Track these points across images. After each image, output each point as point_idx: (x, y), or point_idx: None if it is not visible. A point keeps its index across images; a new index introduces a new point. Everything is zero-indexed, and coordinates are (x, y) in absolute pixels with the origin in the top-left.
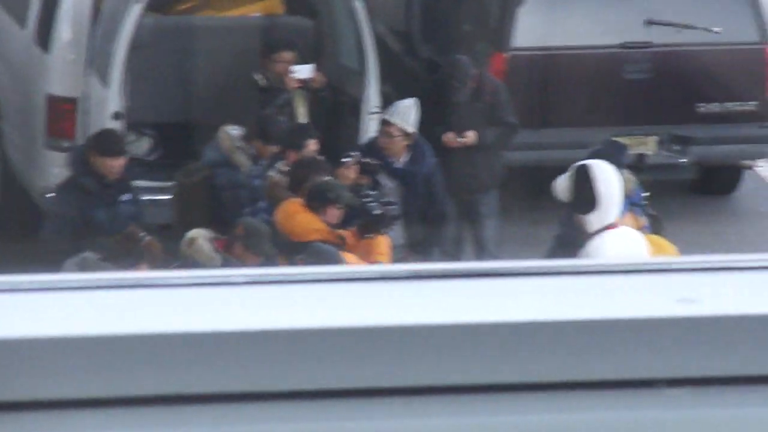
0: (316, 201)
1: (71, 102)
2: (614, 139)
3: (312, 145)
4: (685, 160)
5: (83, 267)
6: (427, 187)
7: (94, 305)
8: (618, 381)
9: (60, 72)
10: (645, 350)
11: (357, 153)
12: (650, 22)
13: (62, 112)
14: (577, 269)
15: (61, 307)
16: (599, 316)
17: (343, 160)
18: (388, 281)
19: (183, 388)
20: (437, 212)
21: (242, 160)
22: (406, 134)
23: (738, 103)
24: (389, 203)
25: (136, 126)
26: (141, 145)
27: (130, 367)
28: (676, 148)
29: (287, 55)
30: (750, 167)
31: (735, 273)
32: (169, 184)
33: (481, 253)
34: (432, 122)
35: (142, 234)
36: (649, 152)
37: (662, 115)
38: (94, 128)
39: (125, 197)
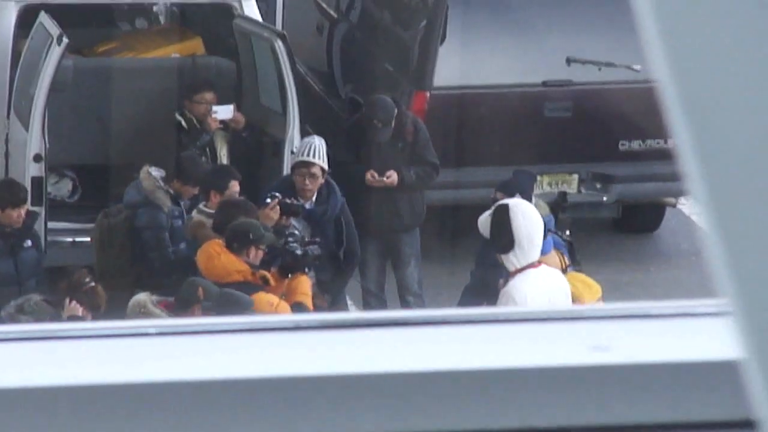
0: (238, 242)
1: None
2: (521, 169)
3: (234, 186)
4: (606, 198)
5: (25, 309)
6: (336, 226)
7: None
8: (533, 429)
9: None
10: (560, 398)
11: (278, 195)
12: (571, 60)
13: None
14: (493, 317)
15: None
16: (515, 365)
17: (267, 200)
18: (299, 331)
19: None
20: (349, 251)
21: (164, 199)
22: (323, 172)
23: (660, 140)
24: (311, 242)
25: (57, 168)
26: (62, 187)
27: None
28: (598, 186)
29: (208, 95)
30: (674, 205)
31: (650, 320)
32: (90, 225)
33: (405, 294)
34: (352, 162)
35: (87, 279)
36: (571, 190)
37: (584, 153)
38: (15, 171)
39: (27, 243)
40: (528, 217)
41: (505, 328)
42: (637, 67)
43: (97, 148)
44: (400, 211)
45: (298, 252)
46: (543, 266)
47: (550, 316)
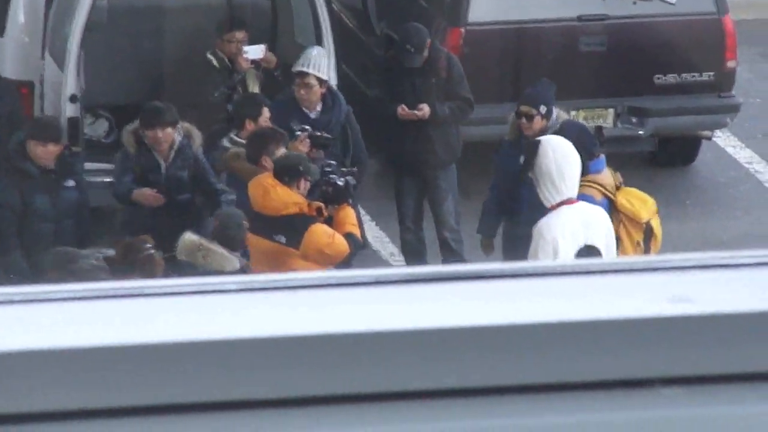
0: (289, 174)
1: (27, 85)
2: (542, 79)
3: (266, 113)
4: (642, 132)
5: (77, 269)
6: (342, 134)
7: (87, 316)
8: (613, 381)
9: (15, 56)
10: (639, 350)
11: (308, 128)
12: None
13: (18, 96)
14: (569, 270)
15: (54, 318)
16: (592, 317)
17: (296, 133)
18: (383, 285)
19: (179, 397)
20: (356, 158)
21: (130, 143)
22: (321, 82)
23: (695, 74)
24: (350, 173)
25: (92, 108)
26: (98, 128)
27: (127, 378)
28: (634, 120)
29: (239, 34)
30: (709, 138)
31: (727, 270)
32: None
33: (442, 229)
34: (386, 97)
35: (147, 245)
36: (607, 125)
37: (619, 88)
38: (51, 111)
39: (69, 183)
40: (559, 153)
41: (587, 280)
42: (672, 0)
43: (133, 88)
44: (434, 147)
45: (340, 183)
46: (581, 203)
47: (630, 267)
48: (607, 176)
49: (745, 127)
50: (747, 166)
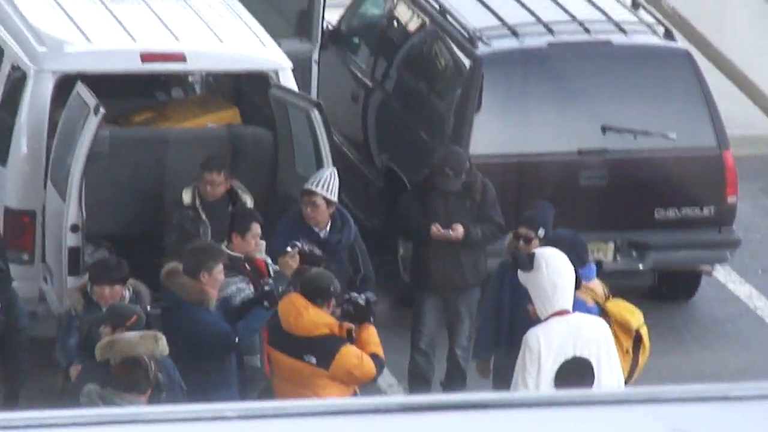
0: (321, 296)
1: (29, 215)
2: (541, 202)
3: (255, 228)
4: (642, 266)
5: (89, 401)
6: (351, 254)
7: None
8: None
9: (17, 185)
10: None
11: (299, 243)
12: (606, 129)
13: (20, 225)
14: (570, 400)
15: None
16: None
17: (288, 249)
18: (384, 414)
19: None
20: (366, 277)
21: (72, 302)
22: (329, 203)
23: (696, 208)
24: (363, 289)
25: (93, 238)
26: (98, 257)
27: None
28: (634, 254)
29: (217, 177)
30: (709, 273)
31: (726, 403)
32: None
33: (454, 346)
34: (418, 216)
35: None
36: (607, 259)
37: (619, 222)
38: (52, 241)
39: None
40: (552, 266)
41: (587, 411)
42: (673, 135)
43: (134, 218)
44: (462, 269)
45: (361, 301)
46: (575, 314)
47: (630, 399)
48: (597, 285)
49: (745, 263)
50: (746, 301)
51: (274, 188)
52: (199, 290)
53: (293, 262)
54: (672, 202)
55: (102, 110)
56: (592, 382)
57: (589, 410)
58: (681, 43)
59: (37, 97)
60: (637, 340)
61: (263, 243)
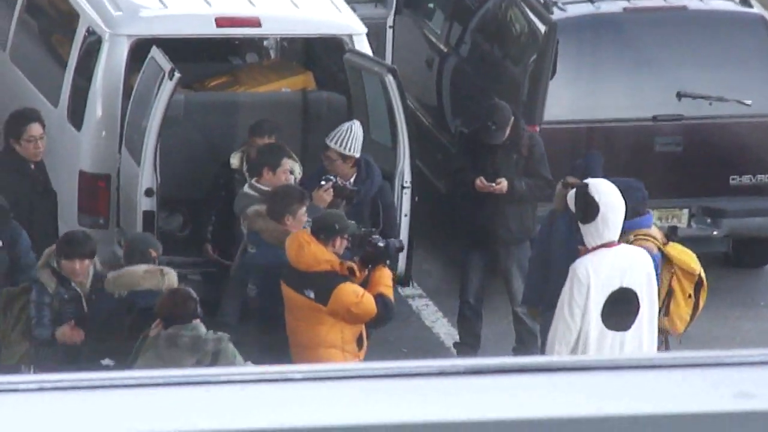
0: (325, 233)
1: (104, 179)
2: (591, 152)
3: (286, 164)
4: (717, 232)
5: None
6: (373, 208)
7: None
8: None
9: (92, 149)
10: None
11: (333, 177)
12: (682, 95)
13: (95, 189)
14: (637, 363)
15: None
16: (658, 411)
17: (321, 183)
18: (440, 377)
19: None
20: (387, 236)
21: (47, 279)
22: (344, 157)
23: None
24: (393, 236)
25: (168, 202)
26: (172, 222)
27: None
28: (709, 220)
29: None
30: None
31: None
32: (201, 259)
33: (513, 304)
34: (466, 169)
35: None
36: (682, 225)
37: (694, 188)
38: (126, 205)
39: None
40: (604, 197)
41: (655, 374)
42: (748, 101)
43: (208, 182)
44: (508, 223)
45: (381, 244)
46: (622, 246)
47: (693, 363)
48: (656, 231)
49: None
50: None
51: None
52: (283, 233)
53: (327, 195)
54: (747, 168)
55: (177, 74)
56: (638, 314)
57: (655, 373)
58: (757, 8)
59: (112, 61)
60: (699, 282)
61: (293, 178)
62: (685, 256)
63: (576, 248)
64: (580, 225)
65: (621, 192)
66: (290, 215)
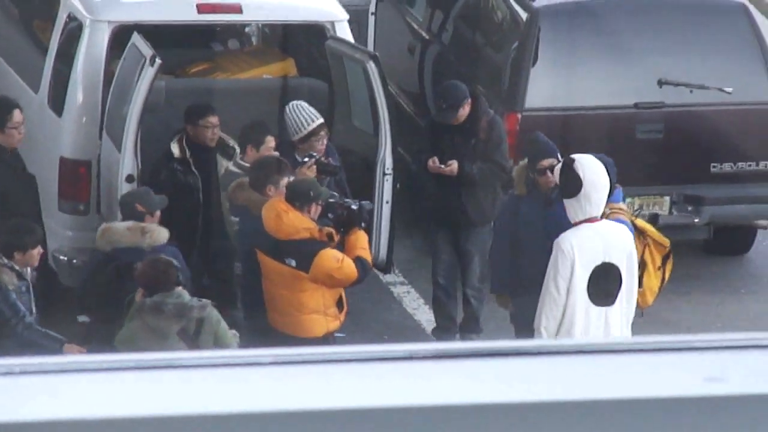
0: (300, 200)
1: (85, 165)
2: (536, 132)
3: (270, 142)
4: (698, 220)
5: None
6: (337, 182)
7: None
8: None
9: (73, 135)
10: (674, 430)
11: (315, 154)
12: (663, 83)
13: (76, 175)
14: (602, 348)
15: (81, 389)
16: (627, 396)
17: (304, 160)
18: (414, 361)
19: None
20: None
21: (8, 278)
22: (324, 129)
23: (752, 163)
24: (363, 198)
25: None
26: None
27: None
28: (690, 208)
29: (213, 119)
30: (766, 227)
31: (763, 351)
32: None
33: (465, 286)
34: (429, 150)
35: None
36: (663, 212)
37: (675, 175)
38: (107, 191)
39: None
40: (588, 172)
41: (623, 358)
42: (729, 89)
43: None
44: (464, 206)
45: (354, 207)
46: (603, 222)
47: (664, 347)
48: (623, 206)
49: None
50: None
51: (330, 140)
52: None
53: (310, 171)
54: (728, 156)
55: (158, 61)
56: (620, 288)
57: (623, 357)
58: None
59: (92, 47)
60: (666, 256)
61: (276, 155)
62: (654, 228)
63: (543, 230)
64: (564, 200)
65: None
66: (272, 185)
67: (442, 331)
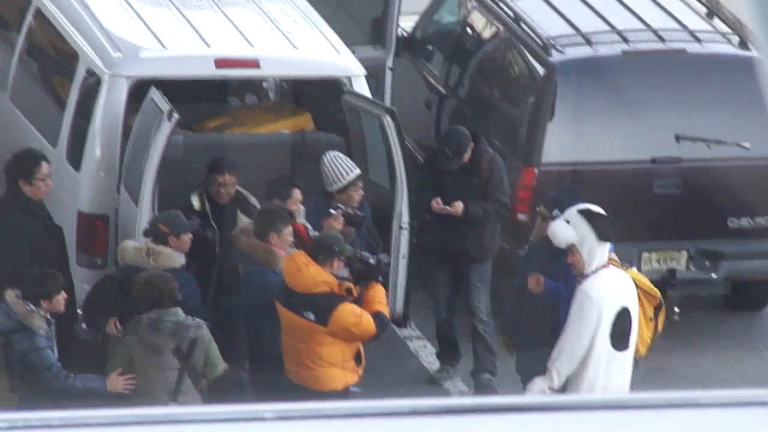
0: (323, 254)
1: (102, 219)
2: (563, 187)
3: (296, 194)
4: (715, 275)
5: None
6: (368, 230)
7: None
8: None
9: (91, 190)
10: None
11: (342, 206)
12: (680, 138)
13: (93, 229)
14: (606, 404)
15: None
16: None
17: (331, 211)
18: (417, 416)
19: None
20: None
21: (39, 323)
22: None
23: None
24: (379, 252)
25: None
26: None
27: None
28: (707, 263)
29: (229, 178)
30: None
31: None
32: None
33: (473, 319)
34: (426, 190)
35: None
36: (680, 267)
37: (693, 230)
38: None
39: None
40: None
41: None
42: (747, 144)
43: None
44: (466, 244)
45: (371, 260)
46: (611, 267)
47: (663, 404)
48: (614, 255)
49: None
50: None
51: None
52: (267, 251)
53: (337, 224)
54: (745, 211)
55: (176, 115)
56: (632, 334)
57: (616, 414)
58: (756, 52)
59: (111, 102)
60: (657, 307)
61: (303, 209)
62: (645, 279)
63: (554, 277)
64: (578, 246)
65: None
66: (275, 233)
67: (448, 358)
